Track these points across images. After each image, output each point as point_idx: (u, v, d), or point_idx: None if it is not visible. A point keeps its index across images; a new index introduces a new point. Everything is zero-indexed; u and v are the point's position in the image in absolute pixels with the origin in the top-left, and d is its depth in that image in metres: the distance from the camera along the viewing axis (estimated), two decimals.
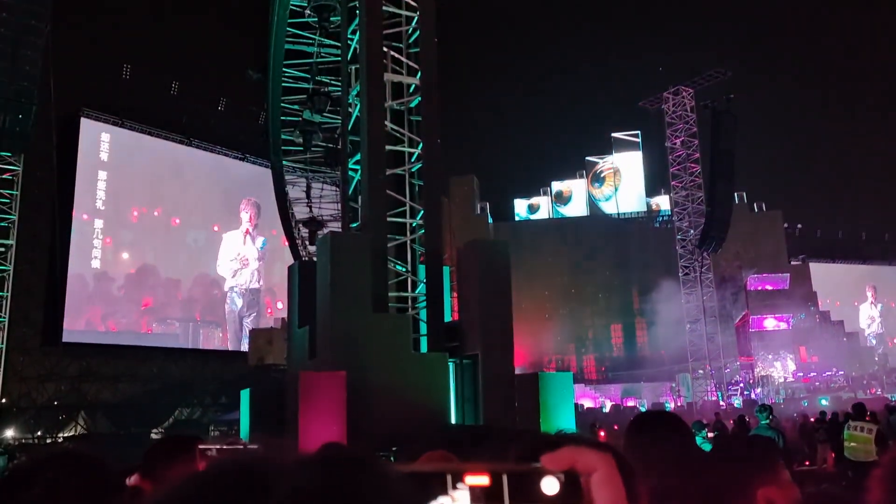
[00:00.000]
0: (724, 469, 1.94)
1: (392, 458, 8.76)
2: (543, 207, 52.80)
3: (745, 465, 1.92)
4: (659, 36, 70.17)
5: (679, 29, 72.34)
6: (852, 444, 11.54)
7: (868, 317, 52.46)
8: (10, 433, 25.10)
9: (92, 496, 1.59)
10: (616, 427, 23.49)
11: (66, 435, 27.00)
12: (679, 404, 35.77)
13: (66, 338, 28.09)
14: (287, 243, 26.84)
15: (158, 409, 29.41)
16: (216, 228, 34.59)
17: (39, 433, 26.68)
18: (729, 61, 48.99)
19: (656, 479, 2.04)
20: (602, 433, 18.47)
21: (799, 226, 50.44)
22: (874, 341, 50.42)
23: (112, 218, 30.70)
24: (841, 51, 73.50)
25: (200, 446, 2.18)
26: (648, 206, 50.78)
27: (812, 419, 18.97)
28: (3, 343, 22.95)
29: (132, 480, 2.84)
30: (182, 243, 33.30)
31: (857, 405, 12.95)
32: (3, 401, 23.49)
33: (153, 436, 26.86)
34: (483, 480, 0.53)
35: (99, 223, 30.30)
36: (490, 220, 49.99)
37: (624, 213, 50.99)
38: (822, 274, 50.21)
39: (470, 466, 0.53)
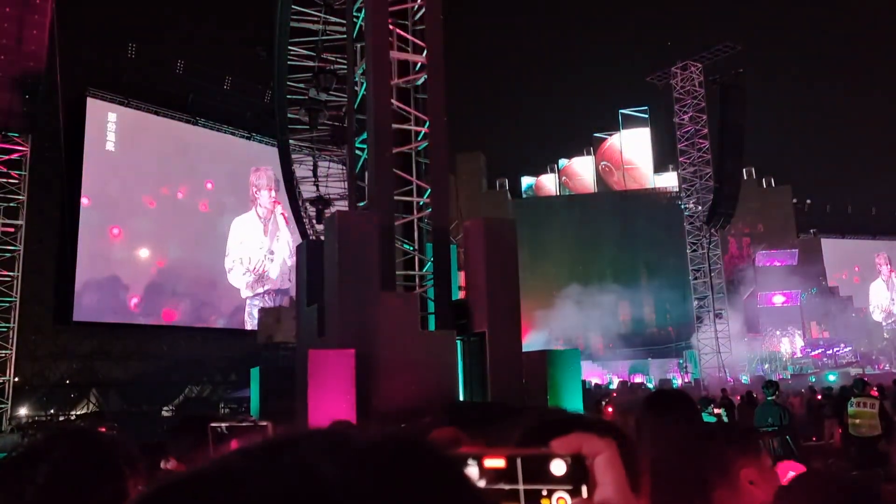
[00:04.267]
0: (710, 450, 2.02)
1: None
2: (551, 184, 52.67)
3: (729, 447, 2.00)
4: (667, 10, 69.39)
5: (688, 2, 71.47)
6: (857, 420, 11.60)
7: (881, 293, 52.21)
8: (23, 411, 25.43)
9: (99, 477, 1.55)
10: (614, 395, 24.16)
11: (78, 413, 27.35)
12: (686, 380, 35.88)
13: (76, 317, 28.32)
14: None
15: (169, 387, 29.74)
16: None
17: (52, 411, 27.02)
18: (738, 35, 48.38)
19: (656, 455, 2.13)
20: (610, 409, 18.56)
21: (808, 201, 50.09)
22: (882, 316, 50.25)
23: (119, 197, 30.77)
24: (851, 23, 72.49)
25: (212, 424, 2.20)
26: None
27: (818, 395, 19.01)
28: (14, 322, 23.17)
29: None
30: (191, 221, 33.39)
31: (859, 380, 13.01)
32: (17, 379, 23.75)
33: (164, 413, 27.20)
34: (499, 463, 0.60)
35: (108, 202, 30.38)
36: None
37: (632, 190, 50.79)
38: (832, 249, 49.99)
39: (487, 451, 0.61)
